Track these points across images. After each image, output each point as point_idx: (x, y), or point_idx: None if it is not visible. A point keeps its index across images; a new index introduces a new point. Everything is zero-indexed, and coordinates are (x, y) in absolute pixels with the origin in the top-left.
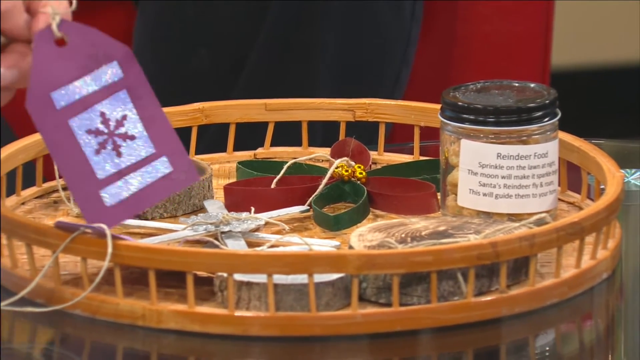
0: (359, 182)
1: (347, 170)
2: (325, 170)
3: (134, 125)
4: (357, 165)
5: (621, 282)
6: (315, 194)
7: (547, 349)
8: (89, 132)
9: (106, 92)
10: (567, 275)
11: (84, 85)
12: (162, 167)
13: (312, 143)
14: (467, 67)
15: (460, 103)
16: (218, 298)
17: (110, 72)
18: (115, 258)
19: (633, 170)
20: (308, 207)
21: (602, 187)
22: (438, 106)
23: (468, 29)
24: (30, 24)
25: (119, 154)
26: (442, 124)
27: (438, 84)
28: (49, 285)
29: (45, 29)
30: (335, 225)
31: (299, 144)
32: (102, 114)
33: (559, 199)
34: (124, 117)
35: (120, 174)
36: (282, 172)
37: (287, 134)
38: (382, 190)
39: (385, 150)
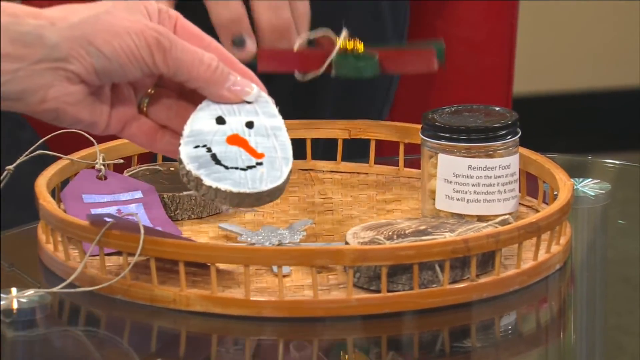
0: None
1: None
2: None
3: (139, 213)
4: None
5: (571, 272)
6: (332, 56)
7: (510, 328)
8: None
9: (125, 203)
10: (526, 266)
11: (109, 197)
12: None
13: (314, 156)
14: (444, 94)
15: (437, 123)
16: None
17: (133, 194)
18: (150, 252)
19: (581, 179)
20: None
21: (555, 193)
22: (419, 126)
23: (445, 62)
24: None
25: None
26: (423, 140)
27: (419, 107)
28: (94, 273)
29: (90, 170)
30: (364, 71)
31: (304, 157)
32: (119, 210)
33: (520, 203)
34: (133, 214)
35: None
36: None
37: (295, 148)
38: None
39: (375, 163)
